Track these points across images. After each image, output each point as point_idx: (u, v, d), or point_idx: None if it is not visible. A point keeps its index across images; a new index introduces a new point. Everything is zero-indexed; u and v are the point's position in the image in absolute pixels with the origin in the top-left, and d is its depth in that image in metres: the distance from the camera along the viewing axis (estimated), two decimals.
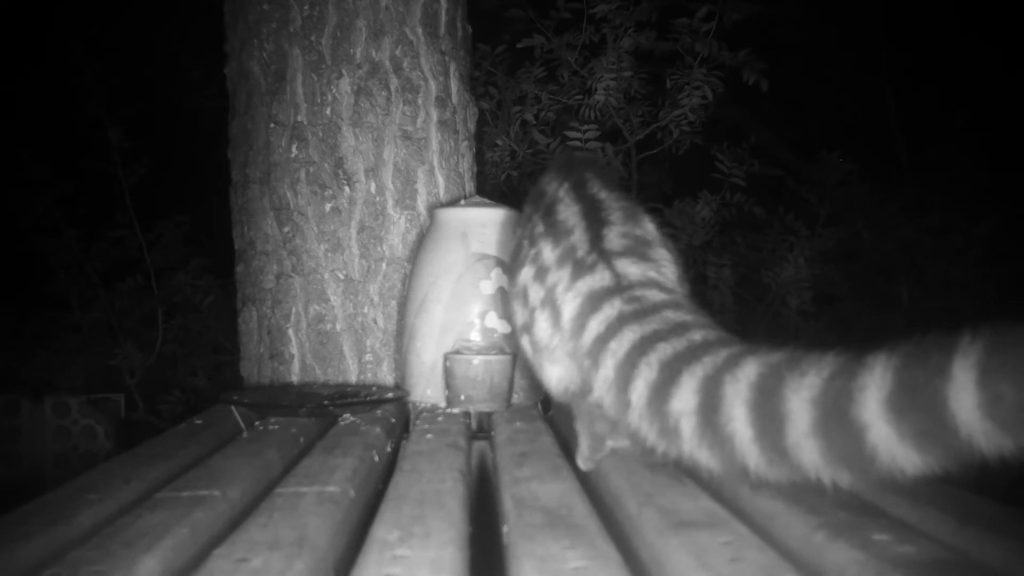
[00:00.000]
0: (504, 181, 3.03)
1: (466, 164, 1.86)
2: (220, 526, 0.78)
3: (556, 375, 1.01)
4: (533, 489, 0.83)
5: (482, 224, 1.49)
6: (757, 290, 3.36)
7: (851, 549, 0.64)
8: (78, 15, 3.61)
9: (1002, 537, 0.69)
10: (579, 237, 0.97)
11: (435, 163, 1.76)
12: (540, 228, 1.03)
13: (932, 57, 4.55)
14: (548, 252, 0.99)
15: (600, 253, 0.94)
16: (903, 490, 0.80)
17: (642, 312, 0.85)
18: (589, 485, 0.91)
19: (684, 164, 3.24)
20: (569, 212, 1.01)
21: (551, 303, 0.96)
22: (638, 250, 0.95)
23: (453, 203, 1.65)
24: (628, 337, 0.83)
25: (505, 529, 0.73)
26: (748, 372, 0.70)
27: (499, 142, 3.00)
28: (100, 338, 3.54)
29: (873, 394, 0.61)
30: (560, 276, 0.95)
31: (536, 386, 1.49)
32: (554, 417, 1.42)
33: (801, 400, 0.65)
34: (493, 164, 3.02)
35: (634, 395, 0.79)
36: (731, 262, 3.28)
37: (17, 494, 0.85)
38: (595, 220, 0.98)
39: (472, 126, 1.90)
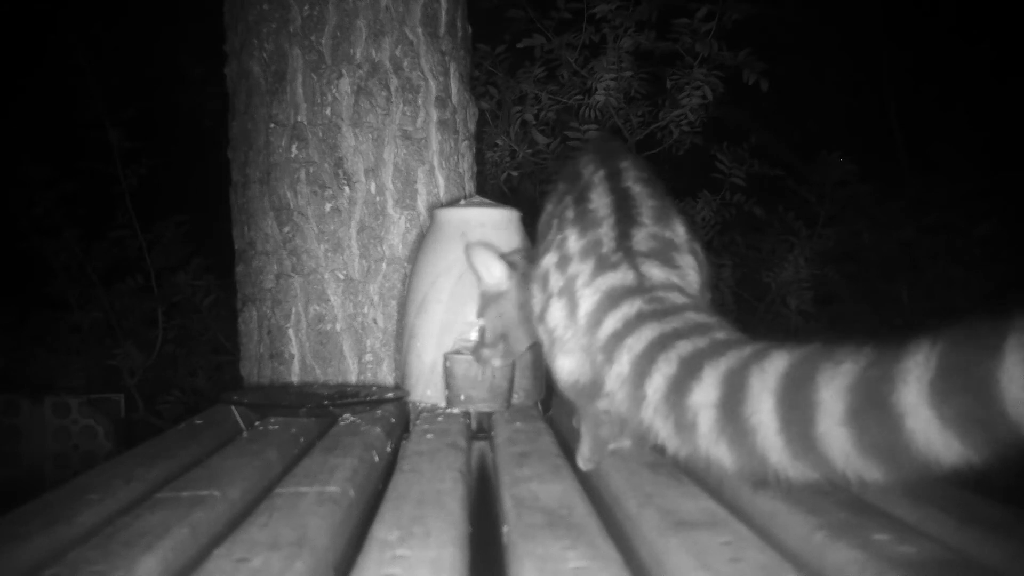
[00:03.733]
0: (504, 181, 3.03)
1: (466, 164, 1.86)
2: (220, 526, 0.78)
3: (568, 367, 1.00)
4: (533, 489, 0.83)
5: (482, 224, 1.49)
6: (757, 290, 3.36)
7: (851, 549, 0.64)
8: (79, 15, 3.60)
9: (1002, 537, 0.69)
10: (606, 232, 0.96)
11: (435, 163, 1.76)
12: (570, 213, 1.02)
13: (932, 57, 4.55)
14: (573, 241, 0.98)
15: (626, 252, 0.93)
16: (903, 490, 0.80)
17: (663, 312, 0.85)
18: (589, 485, 0.91)
19: (684, 164, 3.24)
20: (601, 202, 1.01)
21: (569, 294, 0.95)
22: (664, 254, 0.95)
23: (453, 203, 1.65)
24: (646, 334, 0.82)
25: (505, 529, 0.73)
26: (777, 363, 0.69)
27: (499, 142, 3.00)
28: (100, 338, 3.54)
29: (917, 377, 0.59)
30: (581, 268, 0.95)
31: (536, 386, 1.50)
32: (554, 417, 1.42)
33: (836, 388, 0.64)
34: (493, 164, 3.02)
35: (650, 389, 0.78)
36: (731, 262, 3.28)
37: (17, 494, 0.85)
38: (625, 216, 0.98)
39: (472, 126, 1.90)
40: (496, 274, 1.27)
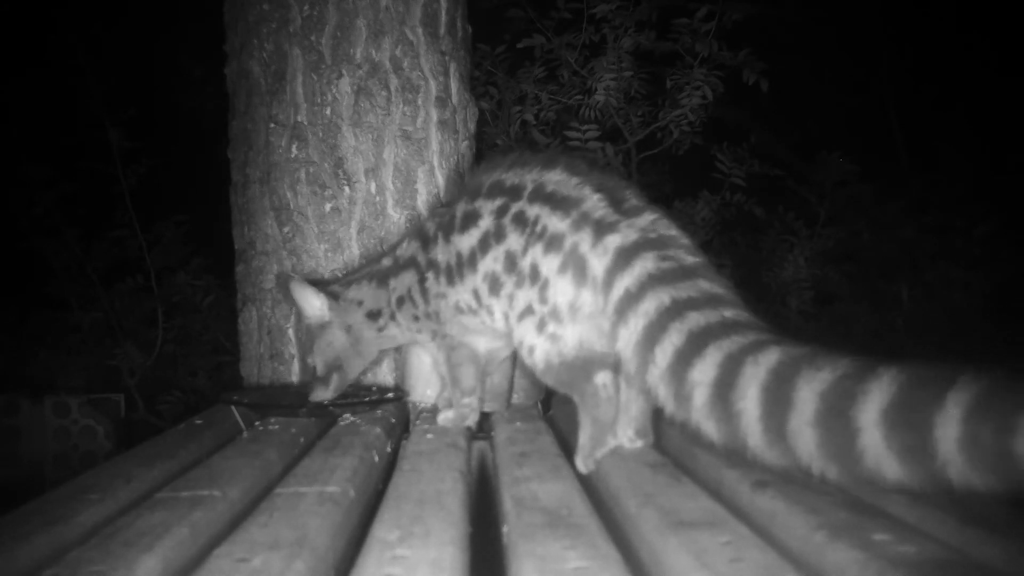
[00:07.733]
0: None
1: (466, 164, 1.86)
2: (220, 526, 0.78)
3: (576, 337, 1.01)
4: (533, 489, 0.83)
5: None
6: (757, 290, 3.36)
7: (851, 549, 0.64)
8: (79, 15, 3.60)
9: (1002, 537, 0.69)
10: (593, 205, 0.99)
11: (435, 163, 1.76)
12: (535, 209, 1.04)
13: (932, 57, 4.55)
14: (557, 221, 1.01)
15: (623, 212, 0.98)
16: (902, 490, 0.80)
17: (677, 273, 0.89)
18: (589, 485, 0.91)
19: (684, 164, 3.24)
20: (569, 187, 1.03)
21: (574, 263, 0.99)
22: (658, 210, 0.99)
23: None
24: (661, 299, 0.87)
25: (505, 529, 0.73)
26: (770, 358, 0.75)
27: (499, 142, 3.00)
28: (100, 338, 3.54)
29: (874, 401, 0.65)
30: (580, 237, 0.98)
31: (536, 386, 1.50)
32: (554, 417, 1.42)
33: (811, 391, 0.70)
34: None
35: (660, 355, 0.84)
36: (731, 262, 3.28)
37: (17, 494, 0.85)
38: (606, 186, 1.01)
39: (472, 126, 1.90)
40: (317, 305, 1.31)
